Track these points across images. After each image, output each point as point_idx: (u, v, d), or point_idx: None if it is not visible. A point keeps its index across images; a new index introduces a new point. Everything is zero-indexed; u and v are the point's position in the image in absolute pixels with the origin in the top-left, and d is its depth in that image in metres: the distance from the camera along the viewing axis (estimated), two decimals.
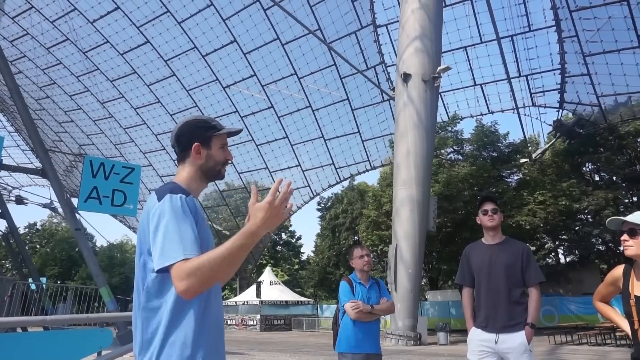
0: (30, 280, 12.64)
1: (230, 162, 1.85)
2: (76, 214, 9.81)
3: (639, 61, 16.49)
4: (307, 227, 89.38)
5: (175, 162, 1.85)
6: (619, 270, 2.48)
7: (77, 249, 40.87)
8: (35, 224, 52.46)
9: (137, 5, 20.29)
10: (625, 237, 2.33)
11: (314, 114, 23.46)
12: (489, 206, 3.32)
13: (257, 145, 25.52)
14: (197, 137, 1.76)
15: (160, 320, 1.56)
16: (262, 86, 22.94)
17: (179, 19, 20.70)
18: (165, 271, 1.49)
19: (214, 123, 1.81)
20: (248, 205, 1.54)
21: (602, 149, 22.12)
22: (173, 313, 1.55)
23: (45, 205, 25.50)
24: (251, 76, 22.64)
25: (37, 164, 22.98)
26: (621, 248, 2.41)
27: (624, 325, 2.47)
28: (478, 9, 18.75)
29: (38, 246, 49.93)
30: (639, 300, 2.29)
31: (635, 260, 2.39)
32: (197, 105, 24.64)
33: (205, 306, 1.60)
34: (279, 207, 1.50)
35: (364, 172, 24.83)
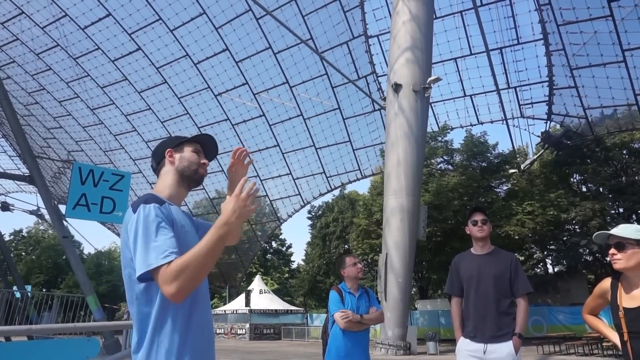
0: (15, 288, 12.43)
1: (206, 164, 1.93)
2: (64, 221, 9.68)
3: (624, 75, 16.81)
4: (297, 236, 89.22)
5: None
6: (606, 283, 2.51)
7: (64, 257, 40.32)
8: (21, 230, 51.68)
9: (129, 12, 20.25)
10: (613, 251, 2.36)
11: (305, 123, 23.53)
12: (478, 217, 3.36)
13: (248, 153, 25.50)
14: (170, 145, 1.89)
15: (147, 328, 1.59)
16: (254, 94, 22.97)
17: (171, 26, 20.70)
18: (148, 279, 1.54)
19: (186, 137, 1.95)
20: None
21: (589, 160, 22.44)
22: (157, 321, 1.58)
23: (32, 212, 25.17)
24: (243, 84, 22.66)
25: (25, 170, 22.70)
26: (608, 259, 2.45)
27: (613, 337, 2.50)
28: (468, 22, 19.05)
29: (23, 253, 49.11)
30: (627, 312, 2.32)
31: (622, 273, 2.42)
32: (188, 113, 24.57)
33: (189, 313, 1.63)
34: (245, 199, 1.59)
35: (354, 180, 24.91)
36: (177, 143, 1.89)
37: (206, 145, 1.97)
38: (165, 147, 1.89)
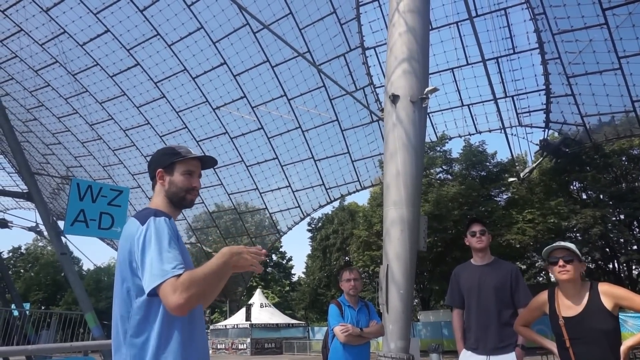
0: (13, 306, 12.31)
1: (196, 189, 1.86)
2: (62, 238, 9.62)
3: (621, 82, 16.87)
4: (297, 248, 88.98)
5: None
6: (543, 296, 2.70)
7: (62, 273, 40.06)
8: (19, 247, 51.53)
9: (127, 29, 20.40)
10: (562, 263, 2.56)
11: (304, 135, 23.56)
12: (476, 227, 3.32)
13: (247, 167, 25.50)
14: (161, 164, 1.84)
15: (148, 346, 1.53)
16: (252, 107, 23.03)
17: (169, 41, 20.84)
18: (155, 294, 1.50)
19: (180, 150, 1.85)
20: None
21: (588, 168, 22.43)
22: (161, 339, 1.53)
23: (30, 229, 25.02)
24: (241, 98, 22.74)
25: (23, 187, 22.63)
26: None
27: (550, 345, 2.73)
28: (464, 32, 19.15)
29: (22, 271, 48.89)
30: (567, 320, 2.51)
31: (558, 284, 2.64)
32: (186, 127, 24.63)
33: (190, 330, 1.59)
34: (246, 250, 1.68)
35: (354, 192, 24.83)
36: (168, 163, 1.83)
37: (204, 161, 1.92)
38: (158, 164, 1.84)
